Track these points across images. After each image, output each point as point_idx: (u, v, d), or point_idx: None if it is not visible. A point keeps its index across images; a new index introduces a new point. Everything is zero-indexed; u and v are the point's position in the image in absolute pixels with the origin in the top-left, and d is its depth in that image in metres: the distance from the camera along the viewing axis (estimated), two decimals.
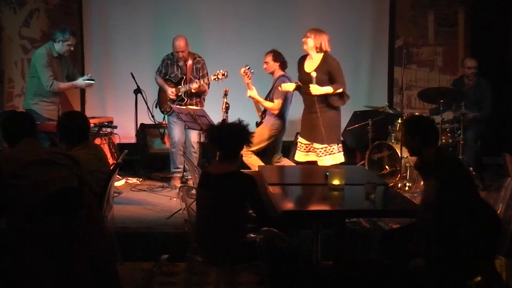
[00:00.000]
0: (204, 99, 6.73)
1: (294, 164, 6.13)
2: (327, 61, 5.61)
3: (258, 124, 6.45)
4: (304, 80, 5.68)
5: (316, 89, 5.52)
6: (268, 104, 6.28)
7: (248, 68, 6.23)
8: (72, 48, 6.36)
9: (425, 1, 8.00)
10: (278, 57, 6.35)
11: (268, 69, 6.37)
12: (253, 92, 6.28)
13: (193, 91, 6.53)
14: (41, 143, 3.78)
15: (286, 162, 6.43)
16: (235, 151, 3.86)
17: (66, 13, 7.73)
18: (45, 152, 3.53)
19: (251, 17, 7.90)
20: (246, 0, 7.96)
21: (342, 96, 5.65)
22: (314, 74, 5.52)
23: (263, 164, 6.21)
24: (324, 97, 5.60)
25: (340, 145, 5.76)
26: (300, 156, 5.82)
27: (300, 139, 5.84)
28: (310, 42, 5.61)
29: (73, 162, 3.59)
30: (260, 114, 6.48)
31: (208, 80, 6.42)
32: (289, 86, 5.84)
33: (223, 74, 6.25)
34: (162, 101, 6.79)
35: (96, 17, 7.83)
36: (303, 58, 5.78)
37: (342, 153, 5.76)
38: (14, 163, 3.38)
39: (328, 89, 5.55)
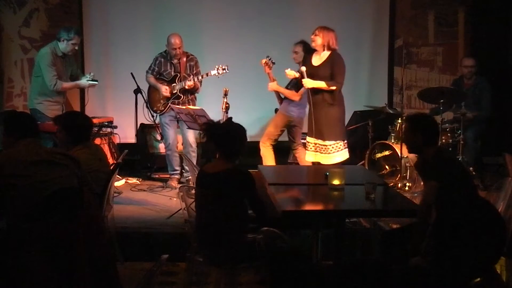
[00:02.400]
0: (195, 97, 6.72)
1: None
2: (333, 57, 5.73)
3: (276, 111, 6.52)
4: (310, 74, 5.75)
5: (309, 82, 5.68)
6: (289, 92, 6.30)
7: (269, 59, 6.23)
8: (76, 48, 6.38)
9: (425, 1, 8.01)
10: (309, 49, 6.32)
11: (297, 59, 6.32)
12: (273, 84, 6.31)
13: (186, 87, 6.52)
14: (42, 143, 3.77)
15: (302, 151, 6.36)
16: (233, 150, 3.86)
17: (66, 13, 7.73)
18: (45, 152, 3.52)
19: (250, 16, 7.90)
20: (246, 0, 7.96)
21: (333, 93, 5.71)
22: (304, 69, 5.70)
23: (274, 162, 6.25)
24: (328, 95, 5.69)
25: (345, 141, 5.84)
26: (310, 155, 5.86)
27: (308, 138, 5.88)
28: (319, 40, 5.75)
29: (73, 162, 3.59)
30: (279, 102, 6.50)
31: (206, 75, 6.42)
32: (292, 73, 5.90)
33: (224, 69, 6.26)
34: (153, 101, 6.76)
35: (96, 16, 7.84)
36: (311, 52, 5.89)
37: (347, 149, 5.87)
38: (14, 163, 3.38)
39: (321, 84, 5.67)
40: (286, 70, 5.93)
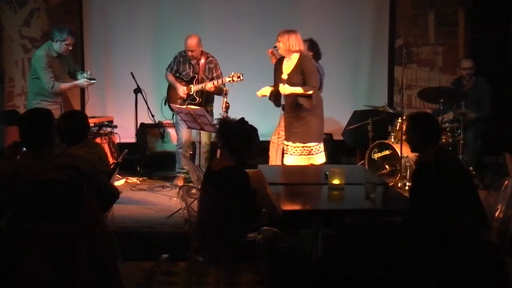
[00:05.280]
0: (213, 99, 6.65)
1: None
2: (302, 62, 5.67)
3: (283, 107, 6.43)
4: (281, 82, 5.72)
5: (284, 89, 5.64)
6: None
7: (276, 50, 6.00)
8: (70, 48, 6.34)
9: (425, 1, 8.00)
10: (314, 46, 6.32)
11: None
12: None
13: (206, 89, 6.46)
14: (54, 152, 3.58)
15: None
16: (239, 150, 3.86)
17: (66, 13, 7.73)
18: (53, 169, 3.37)
19: (251, 16, 7.90)
20: (246, 0, 7.96)
21: (310, 97, 5.65)
22: (285, 77, 5.64)
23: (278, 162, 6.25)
24: (305, 100, 5.65)
25: (319, 145, 5.77)
26: (288, 158, 5.84)
27: (285, 142, 5.87)
28: (281, 46, 5.69)
29: (80, 174, 3.49)
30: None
31: (223, 81, 6.38)
32: (265, 91, 5.87)
33: (239, 77, 6.19)
34: (172, 99, 6.73)
35: (96, 17, 7.83)
36: (281, 60, 5.83)
37: (323, 153, 5.80)
38: (18, 185, 3.30)
39: (297, 90, 5.63)
40: (259, 92, 5.87)
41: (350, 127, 7.30)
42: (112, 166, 4.63)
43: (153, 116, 6.93)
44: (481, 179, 6.57)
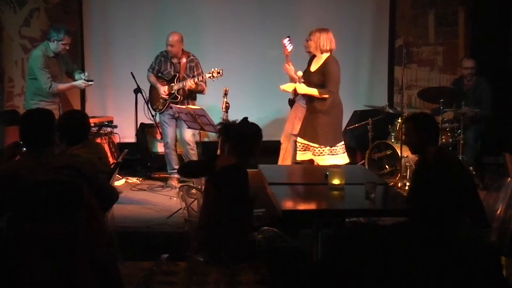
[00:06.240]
0: (195, 97, 6.69)
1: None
2: (327, 63, 5.67)
3: (290, 102, 6.39)
4: (306, 80, 5.72)
5: (300, 88, 5.64)
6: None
7: (288, 40, 5.96)
8: (67, 47, 6.34)
9: (425, 1, 8.00)
10: None
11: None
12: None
13: (186, 89, 6.50)
14: (54, 152, 3.56)
15: None
16: (243, 150, 3.86)
17: (66, 13, 7.73)
18: (52, 169, 3.36)
19: (251, 16, 7.90)
20: (246, 0, 7.96)
21: (325, 101, 5.66)
22: (300, 74, 5.64)
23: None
24: (320, 103, 5.66)
25: (335, 148, 5.78)
26: (299, 155, 5.86)
27: (298, 139, 5.87)
28: (312, 45, 5.71)
29: (78, 173, 3.48)
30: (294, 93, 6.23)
31: (203, 78, 6.41)
32: (288, 87, 5.87)
33: (218, 73, 6.25)
34: (153, 99, 6.79)
35: (96, 17, 7.83)
36: (313, 56, 5.84)
37: (344, 154, 5.85)
38: (18, 185, 3.29)
39: (313, 91, 5.62)
40: (281, 86, 5.88)
41: (350, 127, 7.30)
42: (112, 166, 4.63)
43: (153, 116, 6.93)
44: (481, 179, 6.57)
